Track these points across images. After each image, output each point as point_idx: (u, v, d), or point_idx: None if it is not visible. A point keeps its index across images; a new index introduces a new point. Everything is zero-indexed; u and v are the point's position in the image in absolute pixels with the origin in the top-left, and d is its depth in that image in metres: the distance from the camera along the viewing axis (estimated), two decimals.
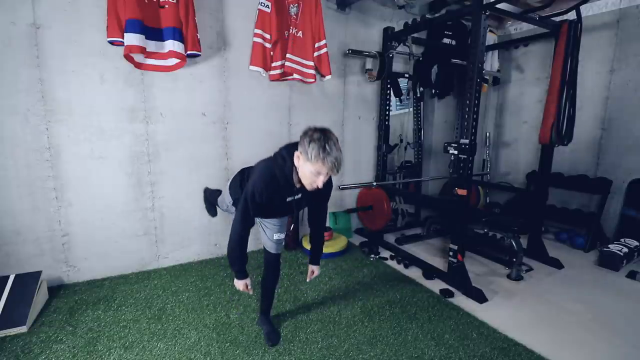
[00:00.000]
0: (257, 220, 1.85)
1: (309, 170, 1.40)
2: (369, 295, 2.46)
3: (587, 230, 3.45)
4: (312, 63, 3.06)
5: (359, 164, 3.75)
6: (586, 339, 2.01)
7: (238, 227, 1.58)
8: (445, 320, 2.17)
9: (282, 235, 1.91)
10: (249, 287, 1.73)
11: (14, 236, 2.32)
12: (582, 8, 2.84)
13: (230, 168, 2.98)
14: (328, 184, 1.59)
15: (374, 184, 3.45)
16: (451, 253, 2.60)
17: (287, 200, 1.62)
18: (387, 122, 3.54)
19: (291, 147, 1.52)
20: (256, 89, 3.03)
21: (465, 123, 2.47)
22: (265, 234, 1.89)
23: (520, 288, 2.62)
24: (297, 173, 1.49)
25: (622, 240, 3.15)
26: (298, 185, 1.55)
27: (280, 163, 1.52)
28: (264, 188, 1.51)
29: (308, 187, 1.47)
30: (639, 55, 3.23)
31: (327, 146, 1.34)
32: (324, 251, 3.04)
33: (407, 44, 3.53)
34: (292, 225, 2.18)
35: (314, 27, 3.04)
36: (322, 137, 1.36)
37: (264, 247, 1.94)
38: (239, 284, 1.72)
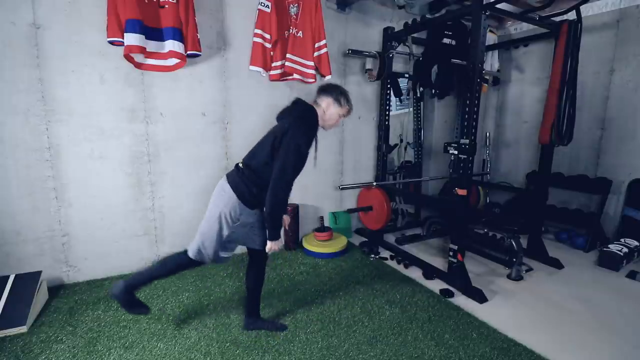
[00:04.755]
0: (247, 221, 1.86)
1: (337, 114, 1.85)
2: (369, 295, 2.46)
3: (587, 230, 3.45)
4: (312, 63, 3.06)
5: (359, 164, 3.76)
6: (586, 339, 2.01)
7: (290, 178, 1.68)
8: (445, 320, 2.17)
9: None
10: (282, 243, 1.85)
11: (14, 236, 2.32)
12: (582, 8, 2.84)
13: (230, 168, 2.96)
14: None
15: (374, 184, 3.45)
16: (451, 253, 2.60)
17: (309, 151, 1.82)
18: (387, 122, 3.54)
19: (303, 103, 1.85)
20: (256, 89, 3.03)
21: (465, 123, 2.47)
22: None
23: (520, 288, 2.62)
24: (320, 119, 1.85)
25: (622, 240, 3.15)
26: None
27: (311, 113, 1.82)
28: (309, 135, 1.76)
29: (329, 127, 1.91)
30: (639, 55, 3.23)
31: (349, 97, 1.88)
32: (324, 251, 3.08)
33: (407, 44, 3.53)
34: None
35: (314, 27, 3.04)
36: (345, 91, 1.88)
37: (249, 247, 1.93)
38: (278, 244, 1.77)
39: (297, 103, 1.85)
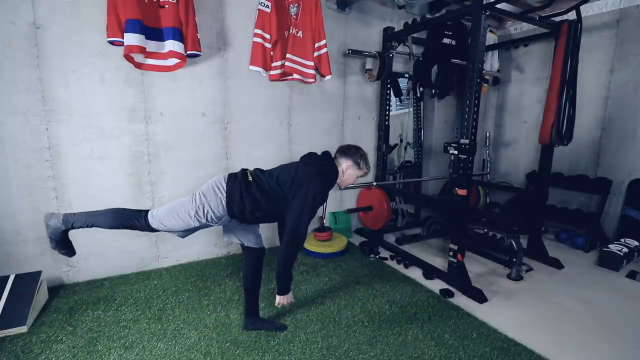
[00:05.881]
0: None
1: (355, 175, 1.91)
2: (369, 295, 2.46)
3: (587, 230, 3.45)
4: (312, 63, 3.06)
5: None
6: (586, 339, 2.01)
7: (304, 232, 1.69)
8: (445, 320, 2.17)
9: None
10: (292, 298, 1.86)
11: (14, 236, 2.32)
12: (582, 8, 2.84)
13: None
14: None
15: (374, 184, 3.45)
16: (451, 253, 2.60)
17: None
18: (387, 122, 3.54)
19: (329, 159, 1.90)
20: (256, 89, 3.03)
21: (465, 123, 2.47)
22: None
23: (520, 288, 2.62)
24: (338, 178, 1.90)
25: (622, 240, 3.15)
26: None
27: (333, 172, 1.86)
28: (325, 191, 1.77)
29: (344, 186, 1.97)
30: (639, 55, 3.23)
31: (368, 160, 1.94)
32: (324, 251, 3.08)
33: (407, 44, 3.53)
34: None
35: (314, 27, 3.04)
36: (365, 154, 1.93)
37: (244, 245, 1.92)
38: (288, 298, 1.80)
39: (325, 158, 1.89)
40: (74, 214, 1.71)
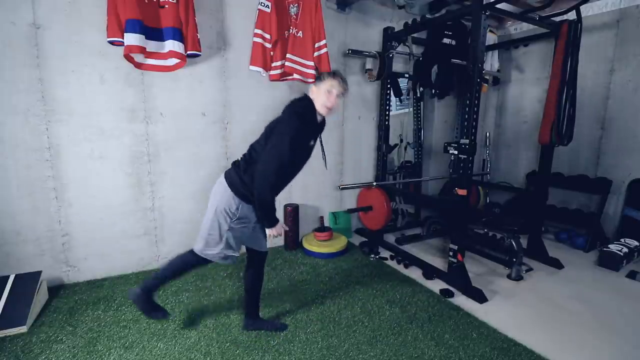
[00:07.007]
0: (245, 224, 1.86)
1: (323, 90, 1.72)
2: (369, 295, 2.46)
3: (587, 230, 3.45)
4: (312, 63, 3.06)
5: (359, 164, 3.76)
6: (586, 339, 2.01)
7: (277, 161, 1.62)
8: (445, 320, 2.17)
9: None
10: (283, 225, 1.82)
11: (14, 236, 2.32)
12: (582, 8, 2.84)
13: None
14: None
15: (374, 184, 3.45)
16: (451, 253, 2.60)
17: (310, 144, 1.83)
18: (387, 122, 3.54)
19: (303, 97, 1.81)
20: (256, 89, 3.03)
21: (465, 123, 2.47)
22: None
23: (520, 288, 2.62)
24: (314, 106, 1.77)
25: (622, 240, 3.15)
26: (319, 118, 1.82)
27: (305, 103, 1.76)
28: (300, 127, 1.69)
29: (323, 109, 1.75)
30: (639, 55, 3.23)
31: (336, 72, 1.77)
32: (324, 251, 3.08)
33: (407, 44, 3.53)
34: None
35: (314, 27, 3.03)
36: (332, 71, 1.77)
37: (249, 248, 1.93)
38: (279, 228, 1.77)
39: (302, 99, 1.82)
40: (145, 281, 1.86)
